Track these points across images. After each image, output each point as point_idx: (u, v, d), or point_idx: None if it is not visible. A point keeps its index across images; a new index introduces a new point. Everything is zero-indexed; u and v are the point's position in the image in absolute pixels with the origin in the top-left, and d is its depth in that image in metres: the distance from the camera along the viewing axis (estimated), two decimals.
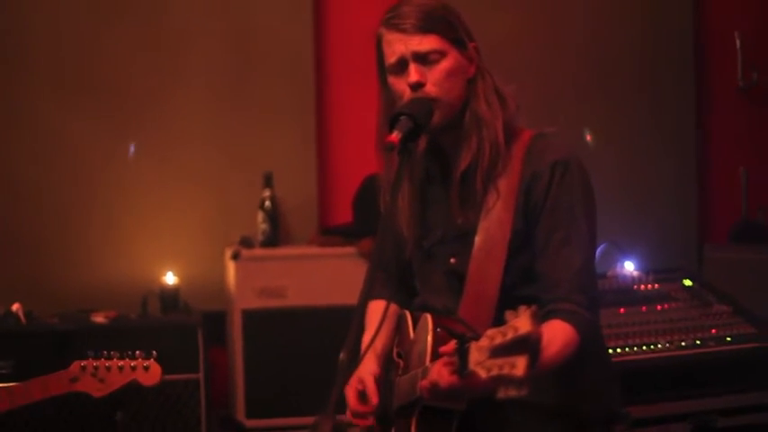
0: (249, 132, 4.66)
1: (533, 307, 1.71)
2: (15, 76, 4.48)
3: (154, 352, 2.84)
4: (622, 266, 4.19)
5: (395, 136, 2.12)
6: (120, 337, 4.05)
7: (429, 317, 2.30)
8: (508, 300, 2.25)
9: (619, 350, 3.54)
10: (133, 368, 2.82)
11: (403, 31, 2.27)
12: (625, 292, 3.88)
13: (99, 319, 4.12)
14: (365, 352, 2.39)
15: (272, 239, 4.47)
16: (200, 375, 4.10)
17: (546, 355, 2.08)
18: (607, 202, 4.73)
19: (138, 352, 2.84)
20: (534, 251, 2.30)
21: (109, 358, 2.82)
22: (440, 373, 1.97)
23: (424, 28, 2.27)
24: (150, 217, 4.57)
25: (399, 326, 2.50)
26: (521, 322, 1.68)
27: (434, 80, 2.27)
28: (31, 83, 4.49)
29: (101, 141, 4.53)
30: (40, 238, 4.49)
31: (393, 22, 2.30)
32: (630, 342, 3.59)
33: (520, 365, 1.64)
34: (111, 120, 4.55)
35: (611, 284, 3.92)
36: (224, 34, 4.66)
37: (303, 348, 4.26)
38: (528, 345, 1.65)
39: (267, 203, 4.49)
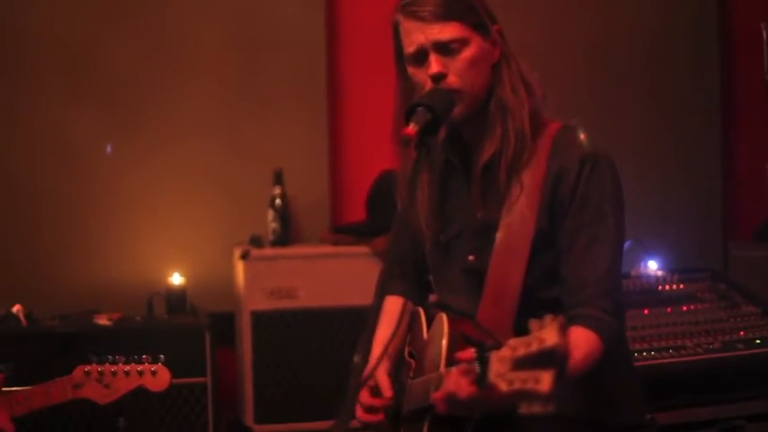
0: (258, 128, 4.54)
1: (560, 317, 1.58)
2: (17, 76, 4.38)
3: (161, 356, 2.72)
4: (646, 265, 4.08)
5: (412, 128, 1.98)
6: (124, 340, 3.98)
7: (445, 318, 2.18)
8: (530, 302, 2.16)
9: (644, 353, 3.43)
10: (140, 373, 2.70)
11: (421, 19, 2.14)
12: (649, 293, 3.80)
13: (102, 321, 4.03)
14: (383, 351, 2.30)
15: (283, 238, 4.34)
16: (208, 379, 3.99)
17: (568, 364, 1.97)
18: (630, 200, 4.69)
19: (144, 356, 2.72)
20: (559, 250, 2.17)
21: (114, 363, 2.70)
22: (458, 384, 1.82)
23: (444, 15, 2.13)
24: (157, 216, 4.46)
25: (412, 324, 2.39)
26: (547, 333, 1.56)
27: (457, 70, 2.14)
28: (33, 82, 4.39)
29: (105, 140, 4.43)
30: (43, 238, 4.39)
31: (410, 9, 2.17)
32: (655, 345, 3.49)
33: (545, 380, 1.54)
34: (115, 117, 4.45)
35: (636, 285, 3.84)
36: (232, 27, 4.54)
37: (314, 351, 4.14)
38: (555, 359, 1.55)
39: (277, 201, 4.36)
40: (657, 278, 3.86)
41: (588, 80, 4.85)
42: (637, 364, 3.41)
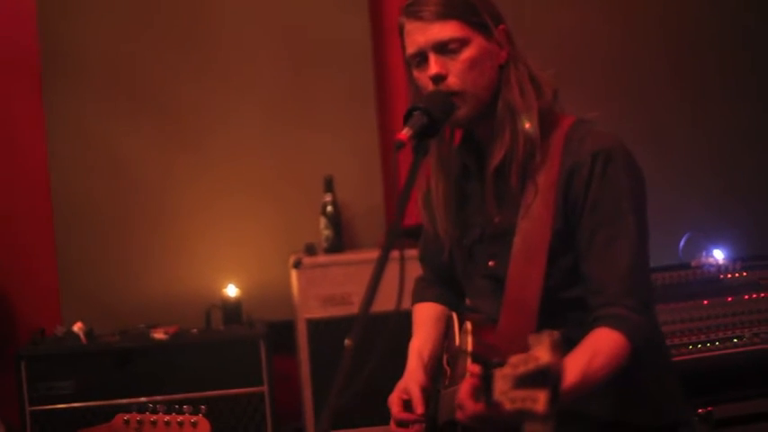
0: (309, 136, 4.53)
1: (555, 334, 1.56)
2: (72, 95, 4.43)
3: (202, 407, 2.64)
4: (711, 255, 3.99)
5: (404, 133, 1.94)
6: (181, 353, 4.03)
7: (469, 326, 2.15)
8: (552, 304, 2.12)
9: (699, 345, 3.36)
10: (180, 424, 2.62)
11: (421, 19, 2.12)
12: (709, 283, 3.74)
13: (159, 335, 4.07)
14: (415, 361, 2.30)
15: (336, 245, 4.33)
16: (265, 388, 4.02)
17: (592, 368, 1.95)
18: (695, 189, 4.62)
19: (185, 406, 2.65)
20: (578, 250, 2.12)
21: (154, 411, 2.64)
22: (465, 402, 1.82)
23: (444, 14, 2.10)
24: (212, 229, 4.47)
25: (447, 330, 2.36)
26: (541, 351, 1.56)
27: (457, 71, 2.10)
28: (88, 102, 4.43)
29: (159, 154, 4.46)
30: (101, 255, 4.43)
31: (412, 9, 2.15)
32: (713, 336, 3.43)
33: (540, 400, 1.53)
34: (168, 132, 4.48)
35: (695, 275, 3.78)
36: (281, 39, 4.54)
37: (374, 360, 4.10)
38: (548, 378, 1.53)
39: (329, 208, 4.36)
40: (719, 267, 3.78)
41: (658, 70, 4.74)
42: (692, 356, 3.36)
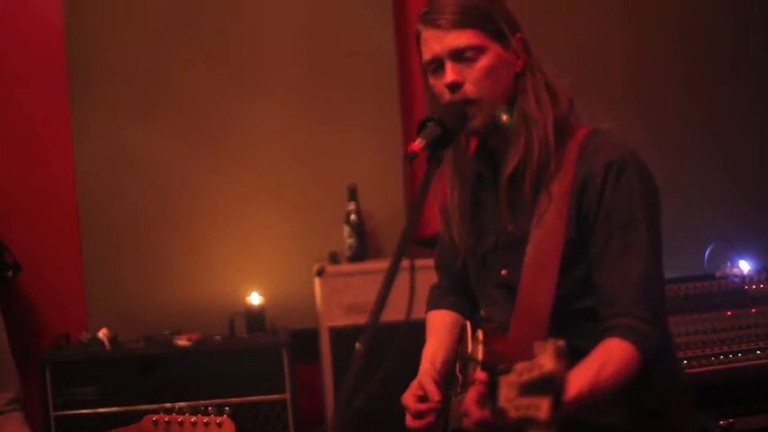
0: (333, 145, 4.54)
1: (560, 342, 1.57)
2: (95, 100, 4.46)
3: (227, 408, 2.72)
4: (736, 266, 3.97)
5: (417, 144, 1.96)
6: (204, 360, 4.04)
7: (481, 334, 2.17)
8: (564, 314, 2.12)
9: (722, 356, 3.33)
10: (206, 425, 2.70)
11: (438, 26, 2.13)
12: (734, 294, 3.72)
13: (182, 341, 4.08)
14: (428, 364, 2.32)
15: (360, 254, 4.34)
16: (287, 396, 4.02)
17: (600, 377, 1.95)
18: (721, 199, 4.59)
19: (210, 408, 2.72)
20: (591, 260, 2.12)
21: (181, 413, 2.72)
22: (471, 408, 1.82)
23: (461, 23, 2.11)
24: (236, 236, 4.49)
25: (461, 338, 2.37)
26: (545, 359, 1.57)
27: (473, 79, 2.11)
28: (110, 106, 4.46)
29: (185, 164, 4.48)
30: (127, 262, 4.46)
31: (429, 17, 2.16)
32: (735, 348, 3.39)
33: (543, 408, 1.55)
34: (192, 138, 4.50)
35: (719, 286, 3.76)
36: (304, 46, 4.56)
37: (394, 366, 4.10)
38: (552, 386, 1.55)
39: (352, 217, 4.37)
40: (743, 278, 3.76)
41: (683, 69, 4.73)
42: (715, 367, 3.34)
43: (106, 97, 4.46)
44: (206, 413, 2.70)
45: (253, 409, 3.99)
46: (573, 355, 1.94)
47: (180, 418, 2.71)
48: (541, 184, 2.14)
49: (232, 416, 2.70)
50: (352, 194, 4.39)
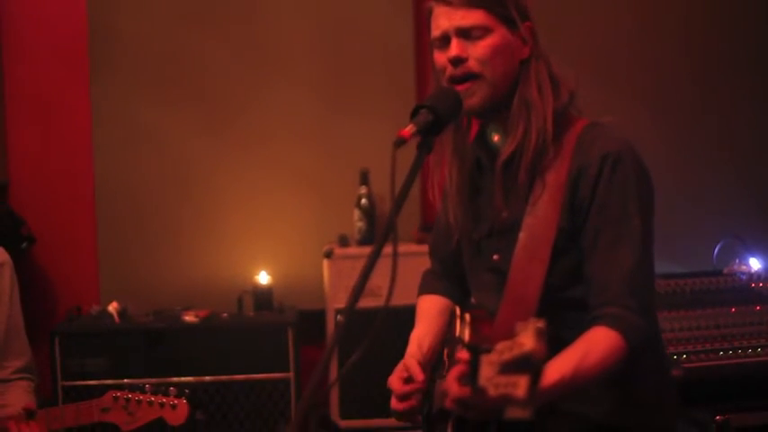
0: (347, 128, 4.56)
1: (540, 322, 1.58)
2: (122, 82, 4.52)
3: (186, 390, 2.81)
4: (745, 263, 3.95)
5: (407, 130, 1.96)
6: (211, 336, 4.09)
7: (468, 317, 2.18)
8: (553, 302, 2.12)
9: (721, 353, 3.33)
10: (161, 405, 2.79)
11: (449, 4, 2.15)
12: (740, 291, 3.70)
13: (190, 317, 4.13)
14: (414, 348, 2.35)
15: (369, 238, 4.37)
16: (291, 375, 4.07)
17: (584, 364, 1.96)
18: (733, 196, 4.57)
19: (171, 388, 2.81)
20: (582, 250, 2.13)
21: (144, 392, 2.81)
22: (452, 387, 1.83)
23: (472, 2, 2.13)
24: (247, 216, 4.54)
25: (450, 323, 2.37)
26: (525, 338, 1.59)
27: (477, 55, 2.13)
28: (135, 88, 4.53)
29: (198, 141, 4.53)
30: (139, 238, 4.52)
31: None
32: (736, 344, 3.39)
33: (521, 386, 1.57)
34: (208, 119, 4.54)
35: (726, 282, 3.73)
36: (321, 30, 4.59)
37: (399, 349, 4.12)
38: (530, 364, 1.56)
39: (363, 201, 4.40)
40: (750, 275, 3.74)
41: (689, 74, 4.72)
42: (714, 363, 3.33)
43: (125, 75, 4.51)
44: (166, 394, 2.77)
45: (257, 386, 4.04)
46: (558, 345, 1.97)
47: (139, 397, 2.79)
48: (537, 172, 2.14)
49: (191, 399, 2.78)
50: (364, 179, 4.42)
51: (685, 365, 3.28)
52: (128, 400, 2.79)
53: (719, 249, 4.16)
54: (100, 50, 4.50)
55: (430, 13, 2.20)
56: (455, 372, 1.86)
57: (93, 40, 4.50)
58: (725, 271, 3.83)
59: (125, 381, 3.93)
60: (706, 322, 3.50)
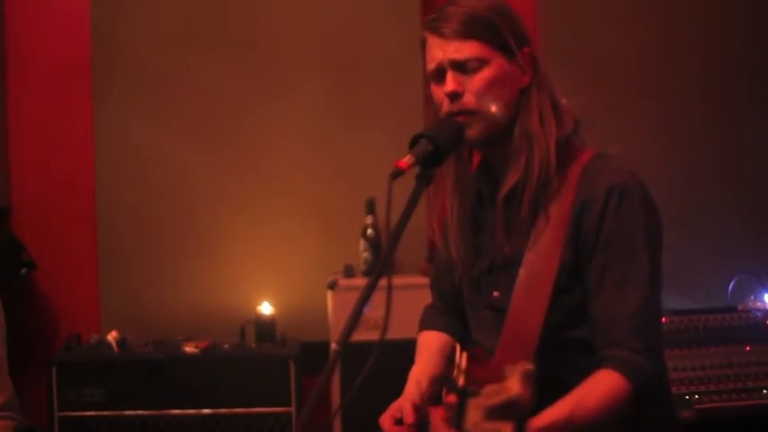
0: (351, 157, 4.50)
1: (528, 366, 1.54)
2: (126, 107, 4.47)
3: None
4: (761, 299, 3.88)
5: (405, 161, 1.89)
6: (211, 368, 4.02)
7: (465, 358, 2.08)
8: (554, 343, 2.03)
9: (734, 394, 3.24)
10: None
11: (442, 35, 2.07)
12: (755, 328, 3.64)
13: (190, 348, 4.07)
14: (412, 386, 2.25)
15: (375, 268, 4.27)
16: (292, 409, 3.99)
17: (580, 407, 1.88)
18: (748, 230, 4.48)
19: None
20: (586, 289, 2.04)
21: None
22: (437, 428, 1.77)
23: (465, 33, 2.05)
24: (250, 245, 4.47)
25: (451, 360, 2.28)
26: (512, 383, 1.55)
27: (474, 90, 2.05)
28: (139, 113, 4.47)
29: (200, 167, 4.47)
30: (141, 266, 4.46)
31: (435, 25, 2.10)
32: (750, 384, 3.29)
33: None
34: (212, 144, 4.49)
35: (740, 319, 3.66)
36: (325, 52, 4.53)
37: (403, 384, 4.04)
38: (515, 411, 1.53)
39: (369, 231, 4.32)
40: (766, 312, 3.67)
41: (702, 104, 4.62)
42: (726, 404, 3.25)
43: (129, 98, 4.46)
44: None
45: (257, 420, 3.96)
46: (560, 389, 1.89)
47: None
48: (540, 205, 2.06)
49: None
50: (371, 208, 4.34)
51: (697, 406, 3.19)
52: None
53: (734, 285, 4.10)
54: (103, 73, 4.46)
55: (424, 43, 2.13)
56: (440, 415, 1.82)
57: (96, 62, 4.45)
58: (740, 307, 3.77)
59: (123, 412, 3.88)
60: (719, 360, 3.44)
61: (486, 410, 1.55)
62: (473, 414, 1.60)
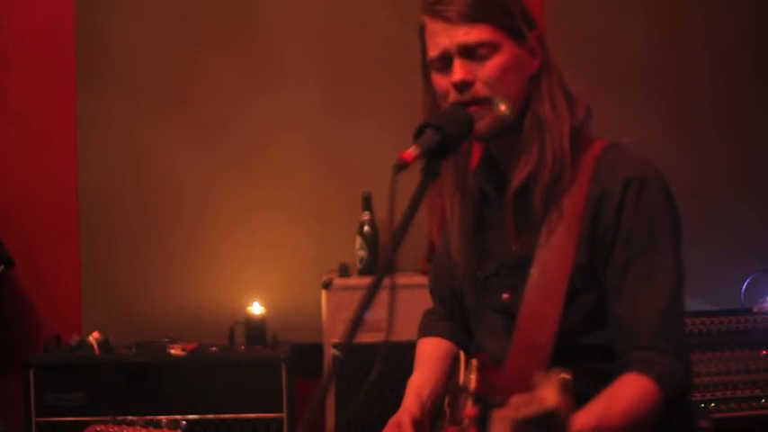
0: (347, 152, 4.38)
1: (566, 375, 1.35)
2: (110, 101, 4.37)
3: (183, 422, 2.52)
4: None
5: (410, 152, 1.70)
6: (198, 371, 3.88)
7: (475, 363, 1.94)
8: (568, 349, 1.87)
9: (753, 402, 3.09)
10: None
11: (447, 20, 1.90)
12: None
13: (175, 350, 3.93)
14: (412, 398, 2.10)
15: (371, 267, 4.13)
16: (284, 415, 3.83)
17: (609, 416, 1.73)
18: (761, 228, 4.35)
19: (164, 420, 2.52)
20: (605, 289, 1.88)
21: (131, 424, 2.53)
22: None
23: (473, 16, 1.89)
24: (240, 243, 4.35)
25: (453, 368, 2.15)
26: (547, 392, 1.35)
27: (485, 78, 1.89)
28: (122, 107, 4.37)
29: (188, 162, 4.36)
30: (125, 264, 4.35)
31: (436, 8, 1.93)
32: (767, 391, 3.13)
33: None
34: (199, 138, 4.37)
35: (755, 322, 3.56)
36: (321, 44, 4.41)
37: (400, 387, 3.88)
38: (551, 424, 1.34)
39: (366, 228, 4.16)
40: None
41: (715, 102, 4.50)
42: (744, 413, 3.12)
43: (114, 90, 4.36)
44: (158, 426, 2.51)
45: (247, 426, 3.82)
46: (575, 400, 1.73)
47: (125, 431, 2.53)
48: (552, 199, 1.90)
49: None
50: (367, 204, 4.19)
51: (715, 416, 3.03)
52: None
53: (748, 285, 4.01)
54: (87, 67, 4.35)
55: (422, 29, 1.96)
56: (462, 429, 1.66)
57: (81, 55, 4.35)
58: (754, 309, 3.69)
59: (104, 418, 3.70)
60: (736, 366, 3.32)
61: (516, 423, 1.37)
62: (499, 427, 1.41)
